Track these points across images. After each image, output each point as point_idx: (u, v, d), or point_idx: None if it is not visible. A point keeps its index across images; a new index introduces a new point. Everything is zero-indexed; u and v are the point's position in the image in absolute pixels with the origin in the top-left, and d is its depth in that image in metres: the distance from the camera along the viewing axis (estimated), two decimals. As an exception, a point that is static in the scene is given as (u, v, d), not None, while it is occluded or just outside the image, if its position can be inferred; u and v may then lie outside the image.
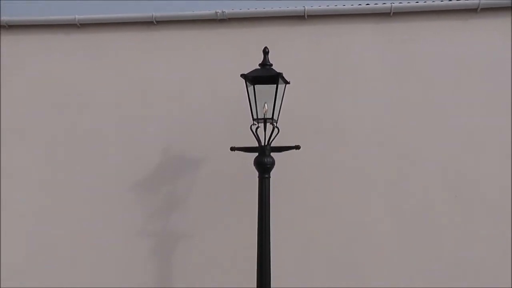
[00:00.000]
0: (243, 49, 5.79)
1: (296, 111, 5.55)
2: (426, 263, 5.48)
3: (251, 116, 4.84)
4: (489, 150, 5.53)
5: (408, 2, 5.67)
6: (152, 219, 5.84)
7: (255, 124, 4.86)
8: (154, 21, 5.96)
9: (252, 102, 4.82)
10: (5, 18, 6.11)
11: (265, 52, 4.89)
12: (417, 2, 5.68)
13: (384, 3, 5.69)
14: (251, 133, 4.83)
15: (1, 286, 6.01)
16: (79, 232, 5.94)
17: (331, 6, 5.76)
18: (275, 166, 4.80)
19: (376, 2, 5.79)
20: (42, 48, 6.19)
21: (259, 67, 4.86)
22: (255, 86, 4.79)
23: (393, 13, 5.68)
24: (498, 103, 5.56)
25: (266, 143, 4.79)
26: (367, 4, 5.73)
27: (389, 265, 5.52)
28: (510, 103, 5.52)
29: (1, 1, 6.54)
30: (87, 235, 5.93)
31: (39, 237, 5.99)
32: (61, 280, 5.92)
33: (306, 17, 5.80)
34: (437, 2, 5.62)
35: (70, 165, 6.05)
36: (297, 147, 4.86)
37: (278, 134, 4.83)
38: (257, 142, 4.82)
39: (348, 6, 5.74)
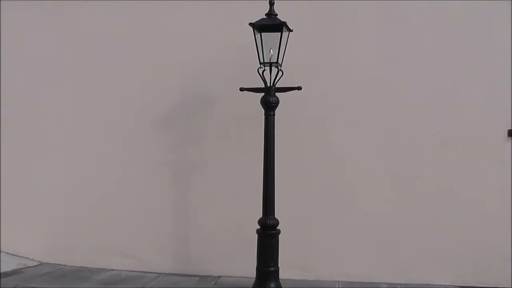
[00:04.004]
0: (251, 0, 5.87)
1: (298, 57, 5.77)
2: (411, 189, 5.99)
3: (258, 61, 5.26)
4: (469, 96, 5.91)
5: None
6: (171, 151, 6.38)
7: (262, 68, 5.26)
8: (174, -23, 6.26)
9: (259, 48, 5.23)
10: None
11: (271, 3, 5.27)
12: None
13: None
14: (258, 75, 5.25)
15: (46, 207, 6.69)
16: (108, 162, 6.55)
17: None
18: (279, 105, 5.29)
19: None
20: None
21: (266, 17, 5.24)
22: (261, 33, 5.18)
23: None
24: (481, 51, 5.88)
25: (271, 84, 5.25)
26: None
27: (379, 191, 6.02)
28: (491, 52, 5.86)
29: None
30: (116, 164, 6.53)
31: (75, 166, 6.66)
32: (94, 201, 6.58)
33: (308, -28, 6.07)
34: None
35: (99, 105, 6.60)
36: (299, 88, 5.30)
37: (282, 77, 5.26)
38: (263, 83, 5.26)
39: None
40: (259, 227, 5.27)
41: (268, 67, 5.24)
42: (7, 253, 6.80)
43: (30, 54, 6.82)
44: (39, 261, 6.70)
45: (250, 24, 5.17)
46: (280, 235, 5.29)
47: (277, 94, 5.27)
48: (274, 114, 5.28)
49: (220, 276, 6.20)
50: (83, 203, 6.62)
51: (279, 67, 5.27)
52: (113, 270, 6.44)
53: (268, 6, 5.28)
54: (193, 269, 6.30)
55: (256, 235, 5.28)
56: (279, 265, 5.28)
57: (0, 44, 6.90)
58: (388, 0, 6.04)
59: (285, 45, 5.27)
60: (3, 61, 6.89)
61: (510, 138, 5.87)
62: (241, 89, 5.40)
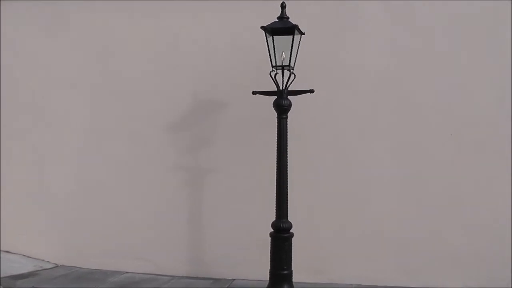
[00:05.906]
0: (262, 4, 5.95)
1: (310, 59, 5.73)
2: (423, 192, 5.93)
3: (270, 64, 5.24)
4: (482, 97, 5.84)
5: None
6: (184, 155, 6.41)
7: (274, 71, 5.25)
8: (183, -21, 6.30)
9: (271, 51, 5.21)
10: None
11: (283, 6, 5.25)
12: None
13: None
14: (271, 78, 5.24)
15: (62, 210, 6.78)
16: (121, 166, 6.61)
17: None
18: (291, 108, 5.26)
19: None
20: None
21: (277, 20, 5.23)
22: (273, 37, 5.16)
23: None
24: (492, 52, 5.81)
25: (283, 87, 5.22)
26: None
27: (391, 194, 5.98)
28: (503, 53, 5.77)
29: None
30: (129, 168, 6.58)
31: (89, 169, 6.74)
32: (108, 205, 6.65)
33: (318, -23, 6.05)
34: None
35: (111, 110, 6.67)
36: (311, 91, 5.25)
37: (294, 80, 5.24)
38: (275, 87, 5.24)
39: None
40: (272, 230, 5.26)
41: (280, 70, 5.22)
42: (24, 255, 6.90)
43: (40, 56, 6.94)
44: (55, 264, 6.78)
45: (262, 27, 5.17)
46: (293, 238, 5.26)
47: (289, 97, 5.24)
48: (286, 117, 5.26)
49: (234, 279, 6.22)
50: (97, 206, 6.69)
51: (291, 70, 5.25)
52: (127, 272, 6.49)
53: (280, 10, 5.26)
54: (206, 272, 6.33)
55: (269, 238, 5.26)
56: (292, 268, 5.25)
57: (0, 45, 6.99)
58: (397, 2, 6.01)
59: (297, 48, 5.26)
60: (11, 63, 7.01)
61: (521, 140, 5.77)
62: (254, 93, 5.37)
